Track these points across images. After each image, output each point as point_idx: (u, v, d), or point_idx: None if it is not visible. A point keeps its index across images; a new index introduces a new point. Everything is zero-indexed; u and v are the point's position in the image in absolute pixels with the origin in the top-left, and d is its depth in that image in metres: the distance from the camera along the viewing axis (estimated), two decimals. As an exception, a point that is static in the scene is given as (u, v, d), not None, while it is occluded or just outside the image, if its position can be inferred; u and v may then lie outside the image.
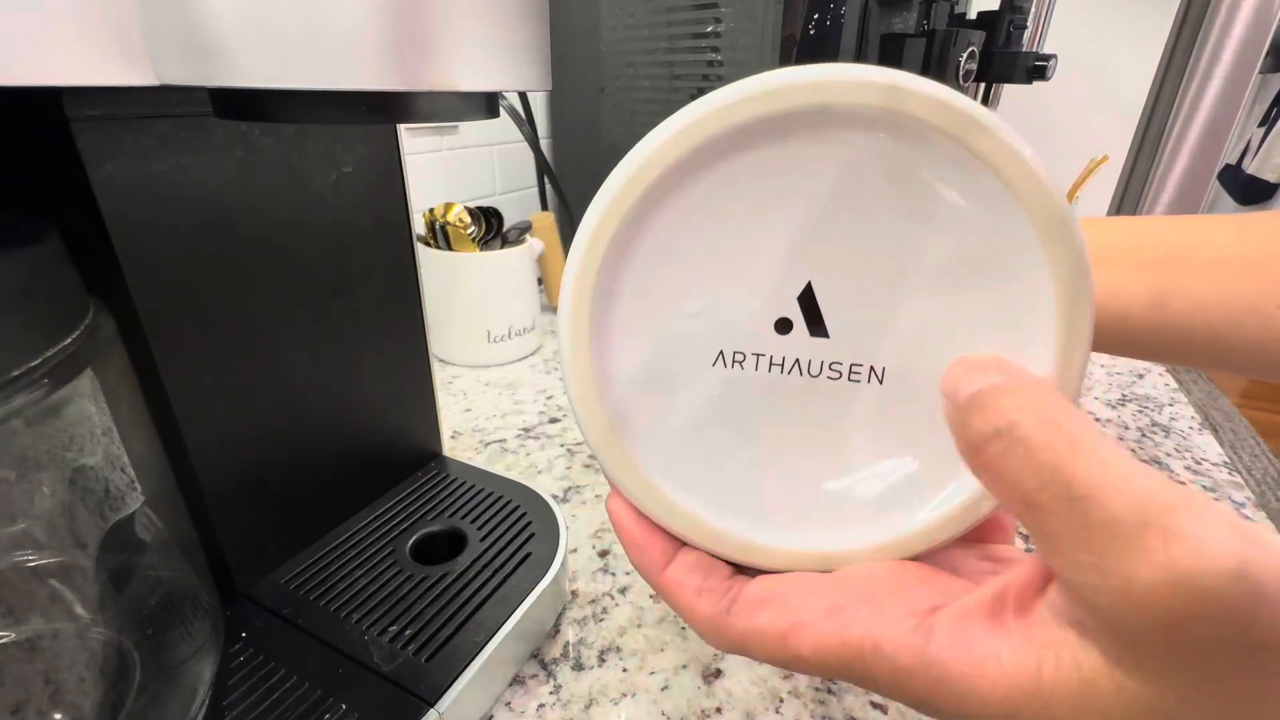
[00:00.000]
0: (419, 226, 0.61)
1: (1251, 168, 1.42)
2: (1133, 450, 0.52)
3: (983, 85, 0.79)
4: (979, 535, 0.18)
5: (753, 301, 0.17)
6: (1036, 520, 0.12)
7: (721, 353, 0.18)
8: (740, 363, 0.18)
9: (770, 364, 0.18)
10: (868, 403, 0.17)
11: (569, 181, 0.78)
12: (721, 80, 0.65)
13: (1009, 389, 0.13)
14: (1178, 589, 0.10)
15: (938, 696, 0.14)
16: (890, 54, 0.63)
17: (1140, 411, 0.58)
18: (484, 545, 0.33)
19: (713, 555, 0.18)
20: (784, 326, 0.17)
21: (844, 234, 0.16)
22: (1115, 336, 0.27)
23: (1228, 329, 0.25)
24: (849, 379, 0.17)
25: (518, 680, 0.31)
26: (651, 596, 0.36)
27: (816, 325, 0.17)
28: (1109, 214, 1.05)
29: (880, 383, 0.17)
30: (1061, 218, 0.15)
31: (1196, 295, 0.25)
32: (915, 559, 0.17)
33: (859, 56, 0.60)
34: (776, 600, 0.17)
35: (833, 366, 0.17)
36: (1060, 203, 0.15)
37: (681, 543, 0.18)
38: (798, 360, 0.17)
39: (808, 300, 0.17)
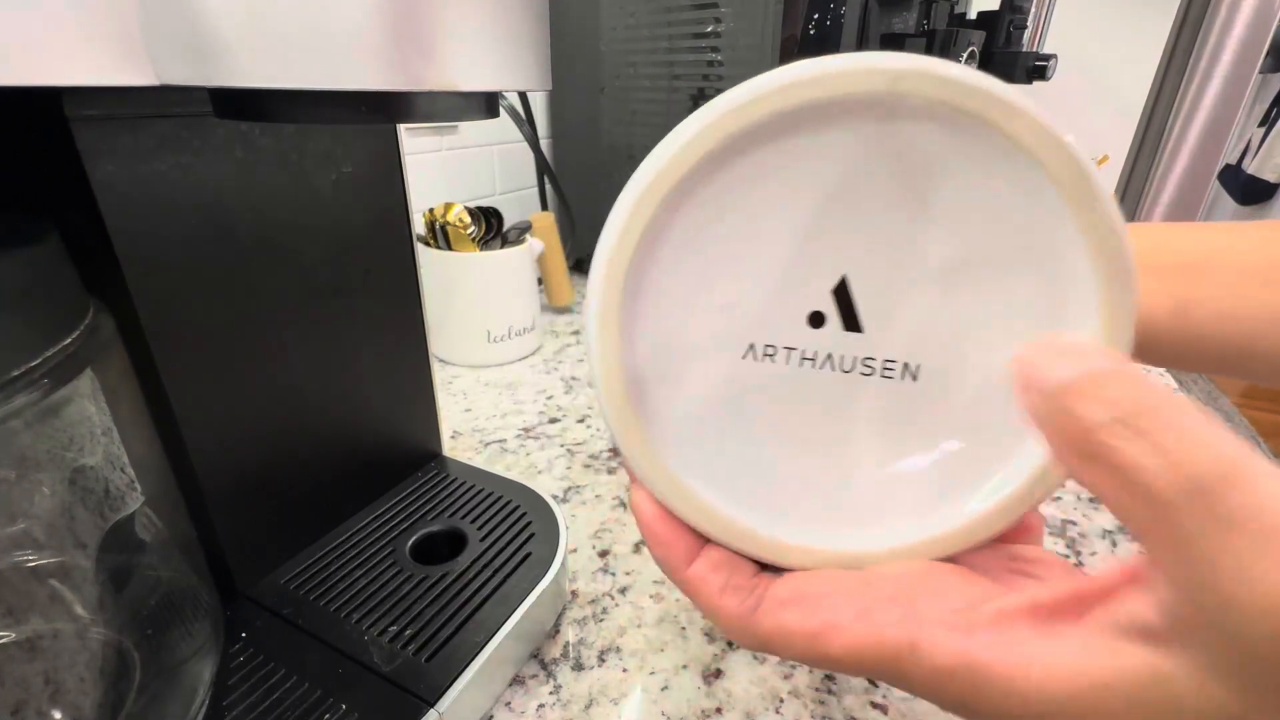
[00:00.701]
0: (419, 226, 0.61)
1: (1251, 168, 1.42)
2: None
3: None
4: (1005, 536, 0.18)
5: (785, 294, 0.17)
6: (1155, 514, 0.11)
7: (752, 345, 0.17)
8: (770, 356, 0.17)
9: (802, 358, 0.17)
10: (902, 400, 0.17)
11: (569, 181, 0.78)
12: (721, 80, 0.65)
13: (1117, 375, 0.12)
14: None
15: (977, 697, 0.14)
16: (890, 54, 0.63)
17: (1140, 411, 0.58)
18: (484, 545, 0.33)
19: (737, 553, 0.18)
20: (817, 320, 0.17)
21: (877, 226, 0.16)
22: (1136, 345, 0.27)
23: (1250, 338, 0.24)
24: (882, 375, 0.17)
25: (518, 680, 0.31)
26: (652, 596, 0.36)
27: (850, 320, 0.17)
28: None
29: (915, 380, 0.17)
30: (1103, 207, 0.14)
31: (1218, 304, 0.25)
32: (947, 560, 0.17)
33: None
34: (805, 600, 0.16)
35: (866, 362, 0.17)
36: (1101, 189, 0.14)
37: (705, 540, 0.18)
38: (830, 355, 0.17)
39: (842, 294, 0.16)
